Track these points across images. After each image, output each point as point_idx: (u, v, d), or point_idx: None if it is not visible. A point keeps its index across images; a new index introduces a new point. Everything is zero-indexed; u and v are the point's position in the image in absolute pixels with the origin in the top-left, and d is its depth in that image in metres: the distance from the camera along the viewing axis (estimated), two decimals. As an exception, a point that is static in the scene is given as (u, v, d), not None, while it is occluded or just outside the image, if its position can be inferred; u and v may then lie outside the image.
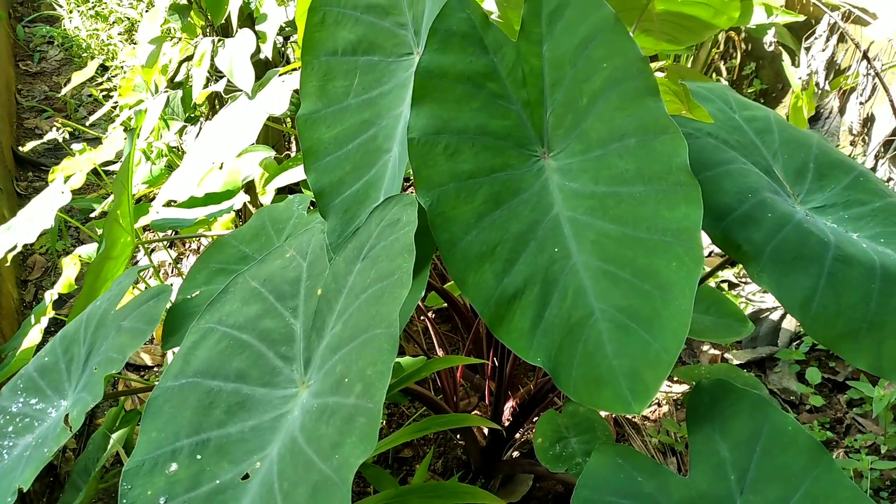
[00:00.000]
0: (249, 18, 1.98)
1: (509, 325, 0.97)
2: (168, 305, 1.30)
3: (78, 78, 2.60)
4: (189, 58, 2.12)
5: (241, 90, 1.86)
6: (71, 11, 3.61)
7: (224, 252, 1.36)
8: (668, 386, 2.15)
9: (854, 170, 1.14)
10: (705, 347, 2.35)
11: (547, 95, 1.08)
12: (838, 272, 0.98)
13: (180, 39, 2.20)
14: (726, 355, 2.32)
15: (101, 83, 3.18)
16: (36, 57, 3.85)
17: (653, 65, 3.63)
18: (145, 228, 1.92)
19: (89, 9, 3.64)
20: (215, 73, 2.16)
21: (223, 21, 1.98)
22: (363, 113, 1.28)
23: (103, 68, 3.37)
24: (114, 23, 3.60)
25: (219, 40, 1.87)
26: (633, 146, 1.00)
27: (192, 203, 1.74)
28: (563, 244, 1.02)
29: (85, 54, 3.54)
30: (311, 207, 1.47)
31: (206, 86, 1.96)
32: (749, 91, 3.62)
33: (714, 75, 3.77)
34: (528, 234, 1.02)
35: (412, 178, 1.02)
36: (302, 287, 1.04)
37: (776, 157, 1.13)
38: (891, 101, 1.81)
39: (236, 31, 1.90)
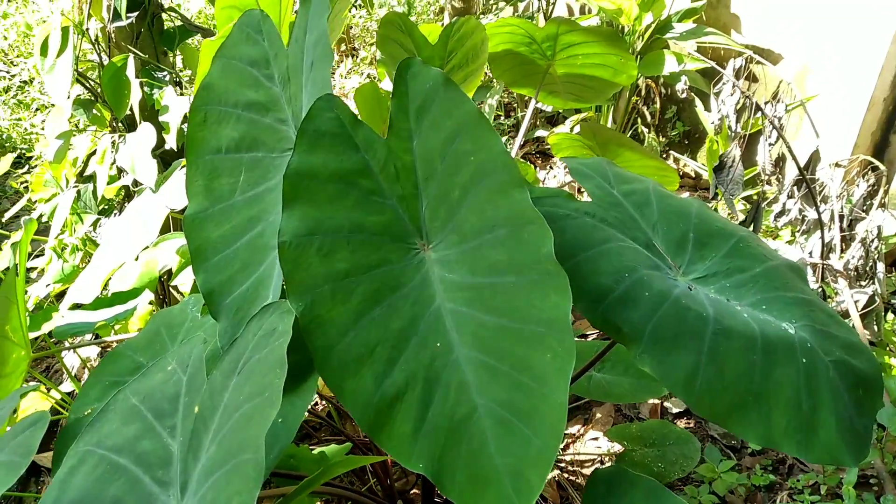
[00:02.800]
0: (153, 110, 1.96)
1: (391, 431, 0.94)
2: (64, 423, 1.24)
3: (-9, 174, 2.54)
4: (95, 152, 2.09)
5: (149, 182, 1.84)
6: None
7: (118, 363, 1.31)
8: (610, 444, 2.13)
9: (734, 236, 1.16)
10: (645, 396, 2.35)
11: (421, 189, 1.08)
12: (719, 346, 0.98)
13: (90, 132, 2.17)
14: (666, 403, 2.32)
15: (19, 175, 3.11)
16: (-39, 149, 3.77)
17: (577, 116, 3.72)
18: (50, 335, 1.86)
19: (10, 98, 3.59)
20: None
21: (128, 113, 1.96)
22: (250, 209, 1.26)
23: (27, 159, 3.31)
24: (37, 110, 3.56)
25: (120, 136, 1.84)
26: (503, 237, 1.00)
27: (97, 304, 1.69)
28: (446, 338, 1.00)
29: (7, 145, 3.47)
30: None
31: (112, 181, 1.93)
32: (673, 133, 3.72)
33: (640, 120, 3.88)
34: (410, 330, 1.00)
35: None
36: (181, 404, 1.00)
37: (656, 230, 1.14)
38: (786, 143, 1.86)
39: (139, 123, 1.88)
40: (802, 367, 0.99)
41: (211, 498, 0.85)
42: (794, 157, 1.92)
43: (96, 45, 1.95)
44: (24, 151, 3.38)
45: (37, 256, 2.39)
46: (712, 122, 2.86)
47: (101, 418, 1.04)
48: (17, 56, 3.68)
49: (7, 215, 2.60)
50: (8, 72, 3.70)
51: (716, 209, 1.89)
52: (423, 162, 1.07)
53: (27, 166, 3.17)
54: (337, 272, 1.01)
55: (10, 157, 2.62)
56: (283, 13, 1.65)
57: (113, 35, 1.93)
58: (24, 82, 3.59)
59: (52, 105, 3.39)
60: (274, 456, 1.11)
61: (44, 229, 2.35)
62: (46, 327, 1.67)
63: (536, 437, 0.90)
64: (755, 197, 2.72)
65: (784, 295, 1.08)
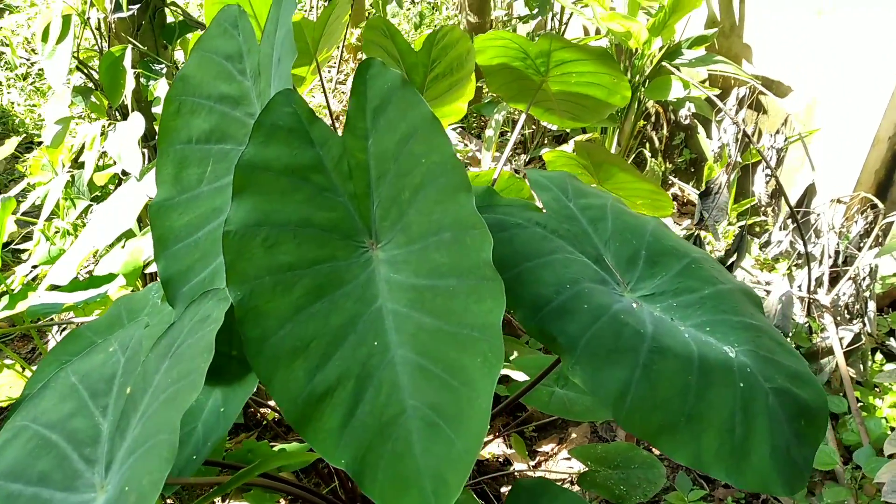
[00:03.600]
0: (148, 101, 2.00)
1: (317, 425, 0.94)
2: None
3: (-5, 155, 2.59)
4: (93, 138, 2.12)
5: (139, 170, 1.86)
6: (10, 87, 3.64)
7: (77, 343, 1.33)
8: (569, 466, 2.11)
9: (687, 256, 1.15)
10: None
11: (373, 188, 1.08)
12: (654, 364, 0.98)
13: (90, 119, 2.21)
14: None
15: (27, 160, 3.17)
16: (-27, 131, 3.86)
17: (581, 136, 3.72)
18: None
19: (28, 84, 3.66)
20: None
21: (126, 103, 2.00)
22: (215, 200, 1.28)
23: (38, 144, 3.37)
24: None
25: (110, 124, 1.88)
26: (447, 240, 1.00)
27: (73, 287, 1.71)
28: (384, 337, 1.00)
29: (21, 129, 3.55)
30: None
31: (100, 168, 1.96)
32: (679, 160, 3.71)
33: (648, 145, 3.87)
34: (349, 327, 1.01)
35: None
36: (116, 384, 1.01)
37: (608, 246, 1.14)
38: (774, 175, 1.85)
39: (132, 113, 1.92)
40: (739, 391, 0.98)
41: (128, 476, 0.86)
42: (782, 190, 1.91)
43: (97, 35, 2.00)
44: (36, 137, 3.44)
45: (29, 239, 2.43)
46: (713, 150, 2.85)
47: (40, 394, 1.05)
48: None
49: (5, 196, 2.64)
50: (28, 59, 3.78)
51: (694, 235, 1.88)
52: (377, 161, 1.08)
53: (35, 151, 3.23)
54: (280, 265, 1.02)
55: (16, 141, 2.67)
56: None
57: (114, 25, 1.97)
58: (43, 70, 3.67)
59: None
60: (210, 444, 1.12)
61: (39, 213, 2.39)
62: (21, 306, 1.70)
63: (459, 440, 0.90)
64: (740, 227, 2.69)
65: (730, 318, 1.07)
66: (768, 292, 2.22)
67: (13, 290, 1.91)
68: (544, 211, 1.16)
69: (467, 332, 0.96)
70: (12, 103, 3.57)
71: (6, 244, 2.50)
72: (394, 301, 1.03)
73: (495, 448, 2.19)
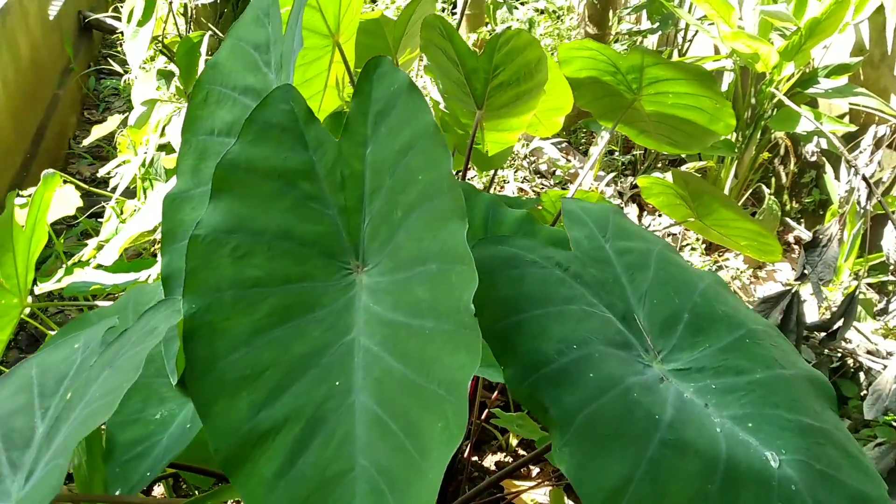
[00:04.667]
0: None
1: (250, 469, 0.81)
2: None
3: (98, 132, 2.69)
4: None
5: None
6: (128, 70, 3.81)
7: (80, 328, 1.28)
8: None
9: (742, 327, 0.93)
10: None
11: (366, 203, 0.95)
12: (665, 461, 0.77)
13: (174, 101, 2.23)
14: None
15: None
16: (101, 107, 4.09)
17: (694, 164, 3.40)
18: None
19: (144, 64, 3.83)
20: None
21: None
22: (226, 197, 1.19)
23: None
24: (172, 80, 3.76)
25: (177, 109, 1.86)
26: (433, 273, 0.85)
27: (117, 268, 1.70)
28: (349, 377, 0.86)
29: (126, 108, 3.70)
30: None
31: (172, 151, 1.96)
32: (807, 200, 3.31)
33: (773, 180, 3.49)
34: (312, 359, 0.87)
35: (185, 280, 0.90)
36: (63, 386, 0.93)
37: (643, 301, 0.93)
38: (902, 235, 1.53)
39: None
40: (775, 514, 0.76)
41: (27, 494, 0.77)
42: (910, 249, 1.59)
43: (176, 21, 2.00)
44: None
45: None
46: (839, 194, 2.49)
47: (2, 381, 0.99)
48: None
49: (101, 172, 2.74)
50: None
51: (792, 291, 1.60)
52: (374, 173, 0.94)
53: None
54: (245, 279, 0.90)
55: (118, 118, 2.76)
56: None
57: (195, 12, 1.96)
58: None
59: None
60: (168, 458, 1.02)
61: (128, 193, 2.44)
62: (64, 282, 1.70)
63: (400, 517, 0.74)
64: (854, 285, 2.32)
65: (783, 415, 0.84)
66: (885, 366, 1.87)
67: (72, 264, 1.93)
68: (572, 250, 0.97)
69: (434, 389, 0.79)
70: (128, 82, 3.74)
71: (72, 218, 2.56)
72: (368, 336, 0.88)
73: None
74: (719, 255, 3.27)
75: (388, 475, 0.78)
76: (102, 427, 1.04)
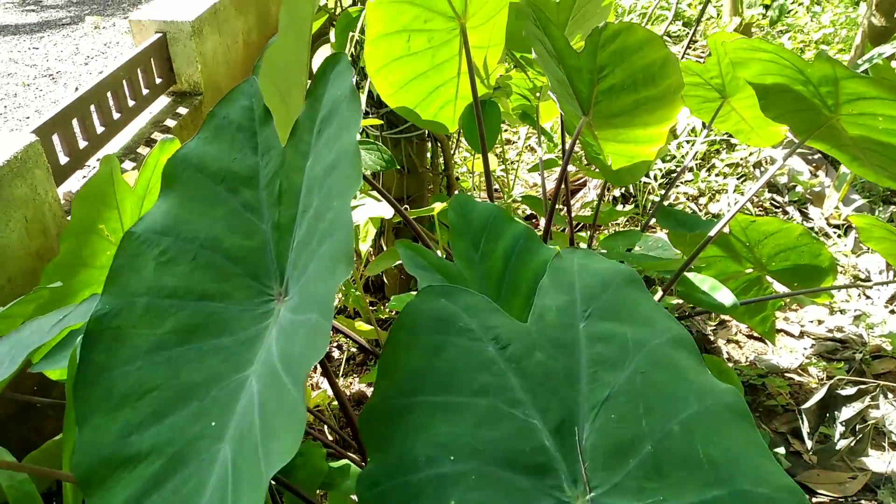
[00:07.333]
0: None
1: (106, 492, 0.76)
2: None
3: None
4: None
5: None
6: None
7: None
8: None
9: (726, 485, 0.63)
10: None
11: (298, 222, 0.81)
12: None
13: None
14: None
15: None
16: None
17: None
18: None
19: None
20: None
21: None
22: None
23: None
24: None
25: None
26: (311, 323, 0.70)
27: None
28: (226, 420, 0.76)
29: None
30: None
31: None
32: None
33: None
34: (200, 390, 0.79)
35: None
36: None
37: (596, 411, 0.68)
38: None
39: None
40: None
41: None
42: None
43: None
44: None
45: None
46: None
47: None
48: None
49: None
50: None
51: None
52: (307, 190, 0.80)
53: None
54: (163, 287, 0.83)
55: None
56: None
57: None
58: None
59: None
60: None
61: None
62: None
63: None
64: None
65: None
66: None
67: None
68: (529, 322, 0.75)
69: (261, 467, 0.66)
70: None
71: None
72: (258, 378, 0.77)
73: None
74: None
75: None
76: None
